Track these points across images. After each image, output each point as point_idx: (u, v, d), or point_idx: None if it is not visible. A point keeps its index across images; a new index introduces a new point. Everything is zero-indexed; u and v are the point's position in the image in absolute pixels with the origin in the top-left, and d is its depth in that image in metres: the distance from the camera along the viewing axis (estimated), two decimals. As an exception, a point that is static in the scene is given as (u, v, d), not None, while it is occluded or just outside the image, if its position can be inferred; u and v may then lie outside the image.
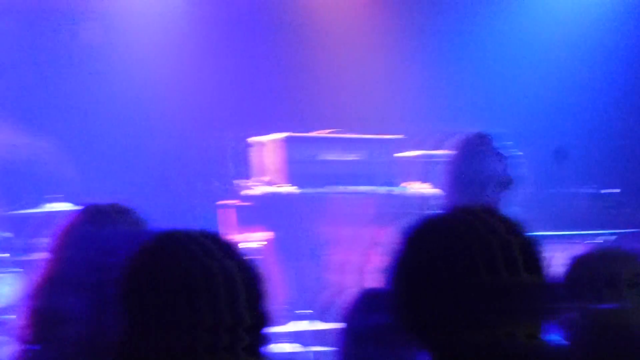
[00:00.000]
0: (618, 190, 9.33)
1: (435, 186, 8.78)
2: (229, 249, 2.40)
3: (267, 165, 8.76)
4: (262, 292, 2.38)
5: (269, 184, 8.65)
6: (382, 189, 8.73)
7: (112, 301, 2.33)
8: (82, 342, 2.93)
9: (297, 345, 6.99)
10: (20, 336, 3.17)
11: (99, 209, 3.23)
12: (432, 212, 2.47)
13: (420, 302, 2.28)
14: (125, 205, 3.28)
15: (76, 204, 7.99)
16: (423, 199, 8.57)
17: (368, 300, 3.25)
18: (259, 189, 8.60)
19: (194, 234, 2.40)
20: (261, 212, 8.41)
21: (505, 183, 5.26)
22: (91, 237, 3.08)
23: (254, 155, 8.89)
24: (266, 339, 2.37)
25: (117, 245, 2.94)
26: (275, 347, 6.43)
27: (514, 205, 5.21)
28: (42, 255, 7.25)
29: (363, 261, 7.59)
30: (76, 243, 3.10)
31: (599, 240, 7.64)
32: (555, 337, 2.65)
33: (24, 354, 3.11)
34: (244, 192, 8.65)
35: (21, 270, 8.13)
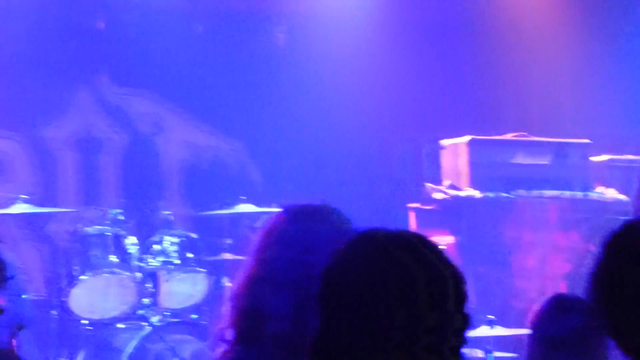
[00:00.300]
0: None
1: (622, 191, 8.56)
2: (433, 249, 2.37)
3: (451, 169, 8.70)
4: (466, 293, 2.35)
5: (453, 187, 8.60)
6: (570, 193, 8.56)
7: (313, 300, 2.33)
8: (283, 341, 2.95)
9: (478, 350, 6.91)
10: (222, 335, 3.21)
11: (303, 208, 3.24)
12: (624, 218, 2.38)
13: (622, 308, 2.22)
14: (330, 205, 3.28)
15: (264, 205, 8.17)
16: (611, 204, 8.37)
17: (559, 306, 3.17)
18: (442, 192, 8.55)
19: (398, 234, 2.37)
20: (444, 215, 8.35)
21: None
22: (295, 236, 3.10)
23: (442, 158, 8.84)
24: (466, 342, 2.34)
25: (321, 244, 2.95)
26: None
27: None
28: (230, 256, 7.39)
29: (547, 267, 7.46)
30: (280, 242, 3.12)
31: None
32: None
33: (226, 354, 3.15)
34: (428, 195, 8.62)
35: (206, 270, 8.31)
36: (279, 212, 3.23)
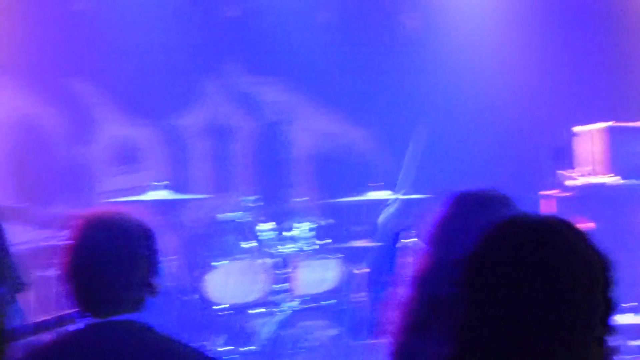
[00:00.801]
0: None
1: None
2: (581, 235, 2.34)
3: (589, 155, 8.56)
4: (612, 279, 2.32)
5: (591, 174, 8.46)
6: None
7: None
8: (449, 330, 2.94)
9: (620, 339, 6.80)
10: (393, 324, 3.21)
11: (476, 195, 3.22)
12: None
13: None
14: (499, 192, 3.25)
15: (395, 192, 8.15)
16: None
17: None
18: (580, 179, 8.43)
19: (546, 219, 2.35)
20: (582, 202, 8.23)
21: None
22: (468, 223, 3.08)
23: (576, 145, 8.71)
24: (614, 330, 2.30)
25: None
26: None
27: None
28: (362, 242, 7.39)
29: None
30: (458, 229, 3.10)
31: None
32: None
33: (400, 342, 3.15)
34: (565, 182, 8.50)
35: (338, 256, 8.35)
36: (450, 199, 3.21)
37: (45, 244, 8.04)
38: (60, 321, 3.77)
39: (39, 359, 3.09)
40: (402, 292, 3.24)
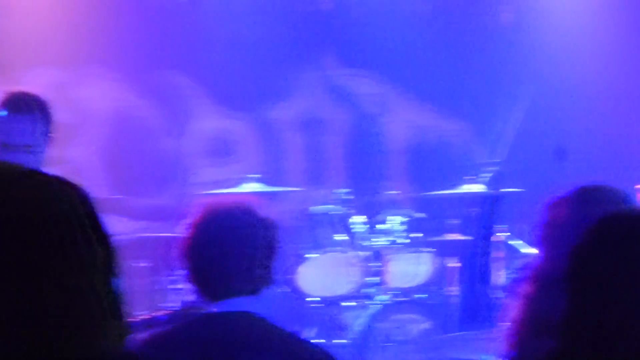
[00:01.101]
0: None
1: None
2: None
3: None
4: None
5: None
6: None
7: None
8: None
9: None
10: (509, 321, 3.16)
11: (592, 189, 3.15)
12: None
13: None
14: (615, 186, 3.18)
15: (488, 185, 8.09)
16: None
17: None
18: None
19: None
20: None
21: None
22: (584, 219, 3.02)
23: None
24: None
25: None
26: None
27: None
28: (455, 236, 7.34)
29: None
30: (573, 227, 3.03)
31: None
32: None
33: (518, 345, 3.11)
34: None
35: (431, 250, 8.30)
36: (567, 194, 3.13)
37: (140, 235, 8.14)
38: (180, 312, 3.80)
39: (157, 348, 3.10)
40: (518, 289, 3.18)
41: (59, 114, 9.02)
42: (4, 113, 4.52)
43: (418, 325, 7.81)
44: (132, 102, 9.35)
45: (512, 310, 3.23)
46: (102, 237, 1.19)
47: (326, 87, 9.86)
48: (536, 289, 3.10)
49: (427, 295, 8.14)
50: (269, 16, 9.47)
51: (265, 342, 3.07)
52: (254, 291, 3.14)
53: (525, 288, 3.16)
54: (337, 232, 8.26)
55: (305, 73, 9.77)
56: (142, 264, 7.76)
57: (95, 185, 9.08)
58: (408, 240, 8.22)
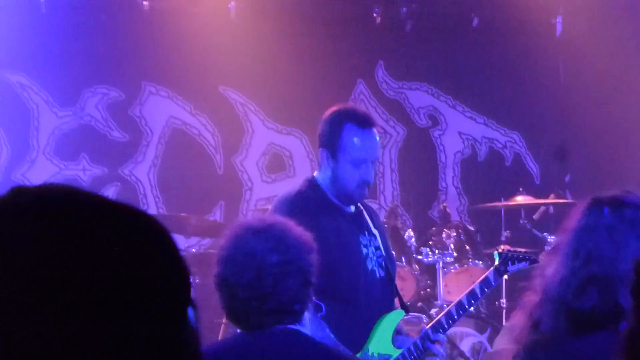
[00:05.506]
0: None
1: None
2: None
3: None
4: None
5: None
6: None
7: None
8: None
9: None
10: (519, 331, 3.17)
11: (599, 199, 3.15)
12: None
13: None
14: (632, 195, 3.17)
15: (541, 197, 8.03)
16: None
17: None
18: None
19: None
20: None
21: None
22: (596, 231, 3.02)
23: None
24: None
25: None
26: None
27: None
28: (508, 248, 7.32)
29: None
30: (611, 237, 3.03)
31: None
32: None
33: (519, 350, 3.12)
34: None
35: (484, 263, 8.27)
36: (595, 203, 3.12)
37: (194, 251, 8.24)
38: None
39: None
40: (530, 299, 3.20)
41: (114, 133, 9.20)
42: (370, 130, 4.48)
43: (471, 339, 7.80)
44: (186, 119, 9.45)
45: (515, 319, 3.25)
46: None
47: (377, 99, 9.88)
48: (538, 300, 3.12)
49: (481, 309, 8.11)
50: (320, 26, 9.48)
51: (311, 356, 3.06)
52: (295, 321, 3.10)
53: (529, 298, 3.18)
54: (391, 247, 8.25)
55: (356, 85, 9.80)
56: (197, 280, 7.84)
57: (149, 202, 9.21)
58: (460, 253, 8.20)
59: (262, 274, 3.02)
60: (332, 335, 4.24)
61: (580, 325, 3.05)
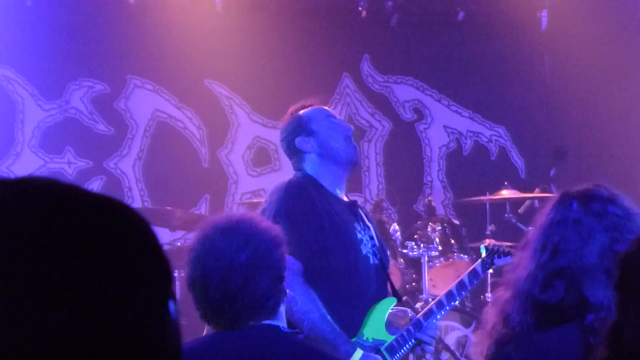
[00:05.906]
0: None
1: None
2: None
3: None
4: None
5: None
6: None
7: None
8: (599, 329, 2.89)
9: None
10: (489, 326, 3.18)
11: (567, 193, 3.15)
12: None
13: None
14: (603, 188, 3.18)
15: (526, 191, 8.03)
16: None
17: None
18: None
19: None
20: None
21: None
22: (599, 223, 3.02)
23: None
24: None
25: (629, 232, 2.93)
26: None
27: None
28: (493, 242, 7.33)
29: None
30: (583, 230, 3.04)
31: None
32: None
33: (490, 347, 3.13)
34: None
35: (469, 257, 8.28)
36: (564, 198, 3.13)
37: (179, 244, 8.22)
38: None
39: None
40: (501, 294, 3.22)
41: (99, 126, 9.18)
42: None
43: (456, 332, 7.81)
44: (177, 114, 9.43)
45: (488, 315, 3.26)
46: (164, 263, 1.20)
47: (363, 93, 9.88)
48: (508, 295, 3.13)
49: (466, 303, 8.13)
50: (308, 22, 9.48)
51: (292, 353, 3.04)
52: (270, 317, 3.09)
53: (500, 294, 3.19)
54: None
55: (341, 79, 9.80)
56: (182, 274, 7.83)
57: (135, 195, 9.19)
58: (445, 247, 8.21)
59: (231, 274, 3.00)
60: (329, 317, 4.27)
61: (548, 319, 3.07)
